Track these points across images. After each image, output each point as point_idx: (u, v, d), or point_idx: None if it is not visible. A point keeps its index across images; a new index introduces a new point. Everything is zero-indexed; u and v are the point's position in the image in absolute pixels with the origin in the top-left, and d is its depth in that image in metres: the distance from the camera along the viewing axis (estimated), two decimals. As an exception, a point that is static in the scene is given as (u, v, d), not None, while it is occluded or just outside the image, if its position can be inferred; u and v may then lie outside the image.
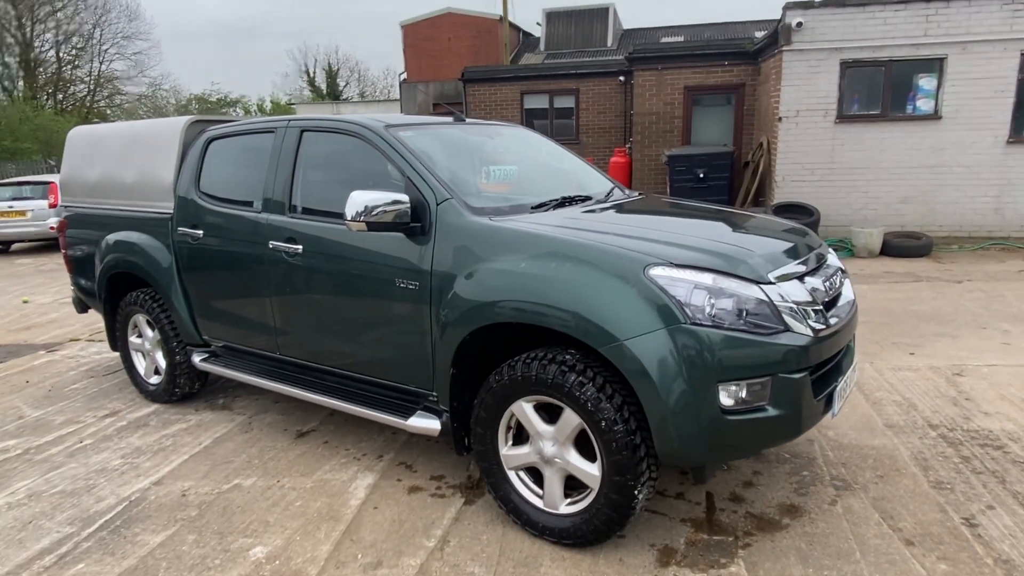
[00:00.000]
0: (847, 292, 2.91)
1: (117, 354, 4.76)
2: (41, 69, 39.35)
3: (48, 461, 3.60)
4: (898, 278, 7.46)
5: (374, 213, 2.79)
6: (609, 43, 25.89)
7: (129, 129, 4.50)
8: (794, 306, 2.41)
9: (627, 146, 11.91)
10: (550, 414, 2.61)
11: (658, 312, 2.30)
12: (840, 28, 8.80)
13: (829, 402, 2.58)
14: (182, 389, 4.30)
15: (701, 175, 9.37)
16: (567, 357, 2.49)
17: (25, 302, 8.00)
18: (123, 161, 4.42)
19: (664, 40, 25.44)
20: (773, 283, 2.43)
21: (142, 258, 4.18)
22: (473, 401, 2.86)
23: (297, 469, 3.39)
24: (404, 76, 27.83)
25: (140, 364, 4.53)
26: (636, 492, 2.42)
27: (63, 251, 4.93)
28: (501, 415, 2.70)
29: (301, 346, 3.51)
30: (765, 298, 2.36)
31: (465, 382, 2.88)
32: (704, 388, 2.27)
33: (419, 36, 27.39)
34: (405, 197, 2.86)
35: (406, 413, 3.04)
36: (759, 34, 22.33)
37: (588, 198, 3.44)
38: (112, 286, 4.50)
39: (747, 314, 2.33)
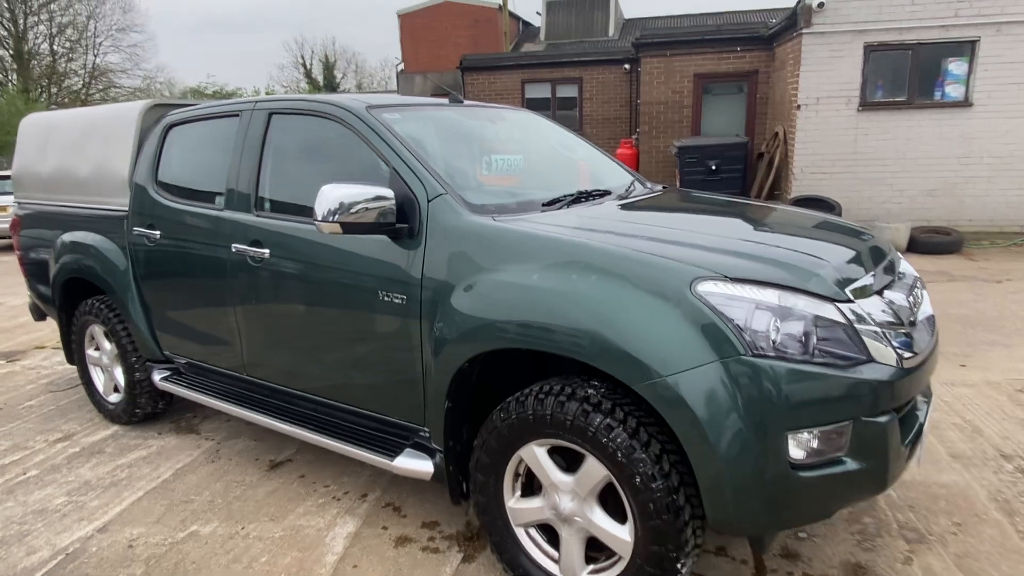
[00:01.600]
0: (927, 307, 2.39)
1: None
2: (35, 62, 38.73)
3: (-19, 499, 3.10)
4: (931, 277, 6.95)
5: (351, 212, 2.27)
6: (611, 33, 25.29)
7: (85, 116, 3.99)
8: (877, 329, 1.91)
9: (634, 137, 11.38)
10: (568, 459, 2.11)
11: (710, 340, 1.79)
12: (864, 9, 8.25)
13: (914, 446, 2.08)
14: (143, 409, 3.79)
15: (713, 167, 8.85)
16: (590, 392, 1.99)
17: (-5, 304, 7.50)
18: (78, 152, 3.91)
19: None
20: (851, 300, 1.92)
21: (96, 261, 3.67)
22: (473, 441, 2.35)
23: (266, 512, 2.89)
24: (402, 66, 27.25)
25: (98, 380, 4.03)
26: (679, 565, 1.92)
27: (16, 252, 4.43)
28: (507, 460, 2.19)
29: (270, 367, 3.00)
30: (843, 319, 1.85)
31: (464, 416, 2.38)
32: (769, 438, 1.77)
33: (416, 25, 26.79)
34: (390, 192, 2.35)
35: (393, 451, 2.54)
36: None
37: (607, 192, 2.93)
38: (67, 292, 3.99)
39: (821, 341, 1.82)
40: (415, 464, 2.46)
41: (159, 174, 3.44)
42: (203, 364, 3.38)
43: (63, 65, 40.00)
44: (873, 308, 1.97)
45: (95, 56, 40.51)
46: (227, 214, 3.01)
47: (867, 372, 1.83)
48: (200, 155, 3.31)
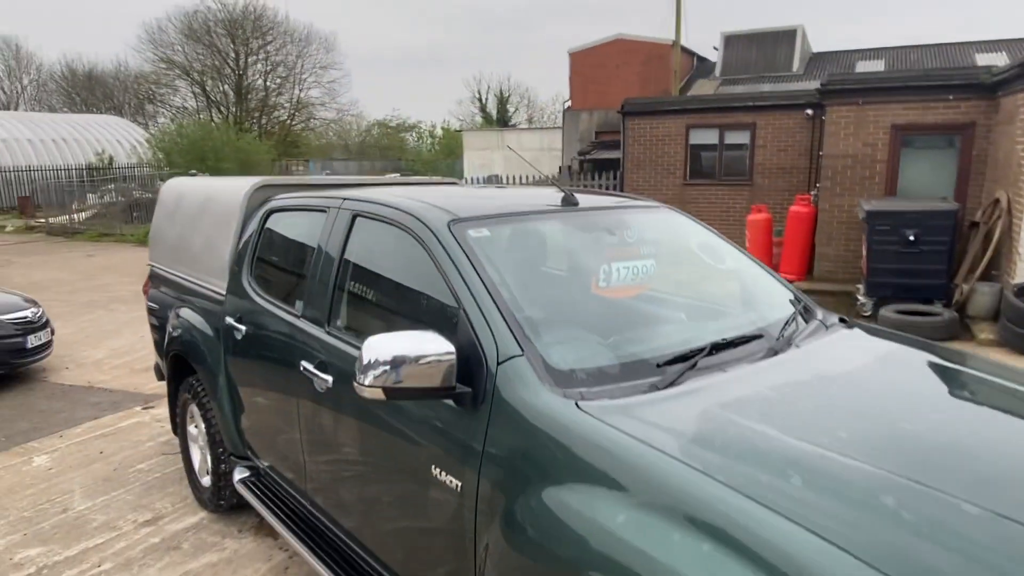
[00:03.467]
0: None
1: (182, 438, 4.20)
2: (251, 95, 43.93)
3: (49, 595, 2.99)
4: None
5: (399, 373, 1.78)
6: (795, 68, 23.50)
7: (206, 187, 3.93)
8: None
9: (812, 193, 10.09)
10: None
11: None
12: None
13: None
14: (228, 501, 3.58)
15: (911, 237, 7.45)
16: None
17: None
18: (195, 224, 3.85)
19: (860, 65, 22.56)
20: None
21: (195, 342, 3.54)
22: None
23: None
24: (568, 104, 27.22)
25: (195, 458, 3.90)
26: None
27: (147, 309, 4.51)
28: None
29: (329, 499, 2.60)
30: None
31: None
32: None
33: (586, 63, 26.66)
34: (449, 348, 1.82)
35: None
36: (981, 57, 18.90)
37: (757, 337, 2.19)
38: (175, 365, 3.93)
39: None
40: None
41: (254, 262, 3.21)
42: (278, 474, 3.07)
43: (273, 99, 44.96)
44: None
45: (299, 90, 45.09)
46: (302, 324, 2.67)
47: None
48: (291, 248, 3.04)
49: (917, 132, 8.78)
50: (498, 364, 1.81)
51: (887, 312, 7.20)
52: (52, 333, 6.57)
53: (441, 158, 35.16)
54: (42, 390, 5.94)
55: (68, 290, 10.66)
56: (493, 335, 1.86)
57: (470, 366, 1.86)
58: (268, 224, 3.21)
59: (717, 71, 25.37)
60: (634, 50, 25.84)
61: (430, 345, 1.81)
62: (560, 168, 24.86)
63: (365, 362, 1.77)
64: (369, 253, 2.50)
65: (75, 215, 19.37)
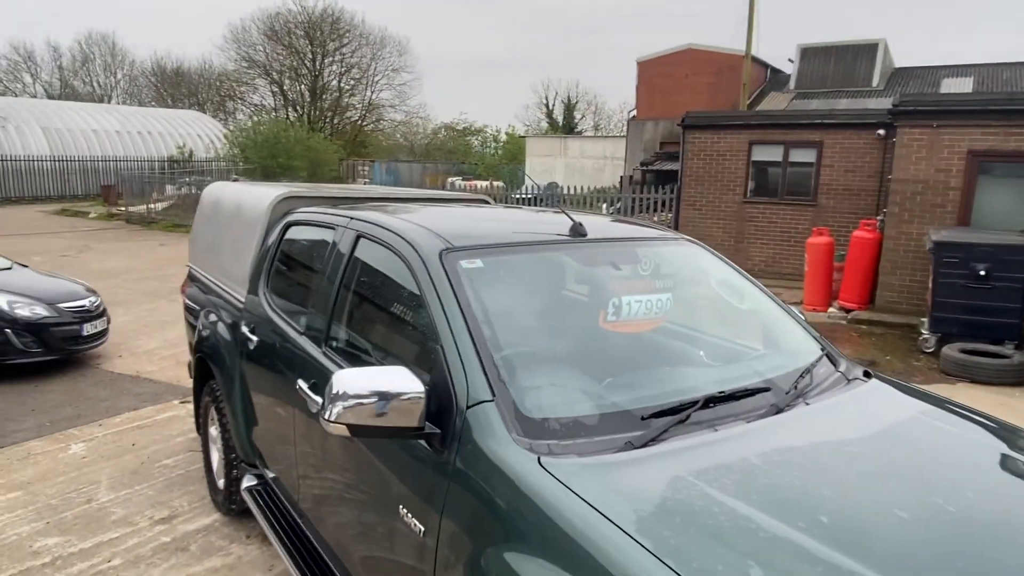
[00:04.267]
0: None
1: (205, 437, 4.28)
2: (325, 95, 45.31)
3: (57, 587, 3.08)
4: None
5: (363, 408, 1.72)
6: (875, 83, 22.50)
7: (239, 194, 4.00)
8: None
9: (879, 218, 9.57)
10: None
11: None
12: None
13: None
14: (239, 506, 3.61)
15: (982, 272, 6.94)
16: None
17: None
18: (226, 230, 3.93)
19: (946, 83, 21.40)
20: None
21: (216, 347, 3.60)
22: None
23: None
24: (633, 113, 26.86)
25: (214, 460, 3.97)
26: None
27: (184, 307, 4.64)
28: None
29: (315, 516, 2.58)
30: None
31: None
32: None
33: (655, 73, 26.24)
34: (418, 387, 1.75)
35: None
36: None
37: (763, 391, 2.03)
38: (200, 366, 4.01)
39: None
40: None
41: (271, 274, 3.24)
42: (280, 486, 3.08)
43: (346, 99, 46.23)
44: None
45: (371, 92, 46.25)
46: (302, 341, 2.66)
47: None
48: (302, 263, 3.05)
49: (997, 159, 8.20)
50: (467, 407, 1.73)
51: (950, 351, 6.73)
52: (108, 322, 6.86)
53: (504, 163, 35.28)
54: (92, 377, 6.21)
55: (135, 278, 11.17)
56: (466, 375, 1.78)
57: (442, 406, 1.79)
58: (287, 236, 3.23)
59: (791, 84, 24.54)
60: (705, 60, 25.27)
61: (400, 383, 1.74)
62: (621, 178, 24.57)
63: (331, 396, 1.73)
64: (367, 276, 2.47)
65: (153, 205, 20.34)
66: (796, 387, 2.11)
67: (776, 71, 26.92)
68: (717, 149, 11.79)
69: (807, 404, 2.03)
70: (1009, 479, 1.77)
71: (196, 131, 33.62)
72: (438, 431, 1.77)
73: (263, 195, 3.57)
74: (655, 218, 13.70)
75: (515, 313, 2.12)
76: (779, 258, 11.58)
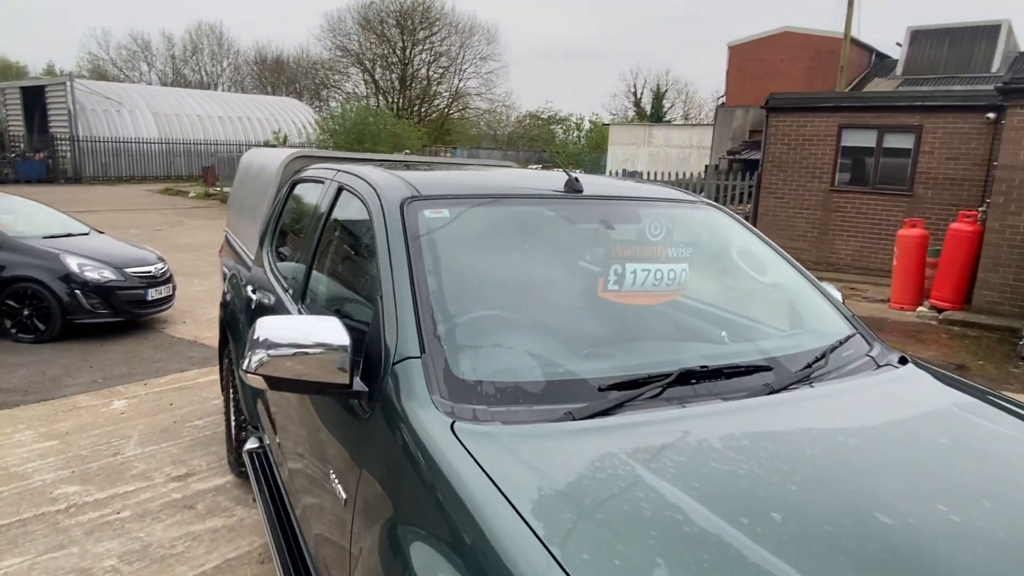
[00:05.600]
0: None
1: (231, 400, 4.31)
2: (414, 84, 46.16)
3: (65, 534, 3.14)
4: None
5: (283, 359, 1.57)
6: (995, 67, 20.53)
7: (263, 157, 3.98)
8: None
9: (980, 210, 8.63)
10: None
11: None
12: None
13: None
14: (245, 468, 3.60)
15: (1100, 270, 6.08)
16: None
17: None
18: (250, 192, 3.91)
19: (1083, 65, 19.23)
20: None
21: (232, 309, 3.58)
22: None
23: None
24: (723, 100, 25.72)
25: (233, 422, 3.98)
26: None
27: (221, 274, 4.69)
28: None
29: (285, 479, 2.48)
30: None
31: None
32: None
33: (747, 57, 24.97)
34: (343, 339, 1.57)
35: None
36: None
37: (763, 369, 1.72)
38: (222, 329, 4.02)
39: None
40: None
41: (276, 233, 3.16)
42: (271, 449, 3.01)
43: (433, 88, 46.93)
44: None
45: (459, 81, 46.72)
46: (285, 299, 2.55)
47: None
48: (297, 221, 2.94)
49: None
50: (394, 363, 1.54)
51: (1056, 358, 5.94)
52: (173, 288, 7.13)
53: (586, 151, 34.77)
54: (153, 340, 6.46)
55: (215, 251, 11.67)
56: (397, 329, 1.59)
57: (375, 363, 1.61)
58: (291, 195, 3.14)
59: (898, 69, 22.79)
60: (801, 44, 23.82)
61: (324, 334, 1.57)
62: (706, 167, 23.57)
63: (251, 344, 1.58)
64: (340, 230, 2.32)
65: (243, 186, 21.29)
66: (808, 368, 1.80)
67: (882, 56, 25.08)
68: (803, 133, 11.01)
69: (811, 387, 1.71)
70: None
71: (291, 117, 34.99)
72: (367, 390, 1.59)
73: (278, 155, 3.51)
74: (736, 208, 13.01)
75: (480, 269, 1.91)
76: (867, 252, 10.71)
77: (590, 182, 2.34)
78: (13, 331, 6.20)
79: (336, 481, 1.66)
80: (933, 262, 8.48)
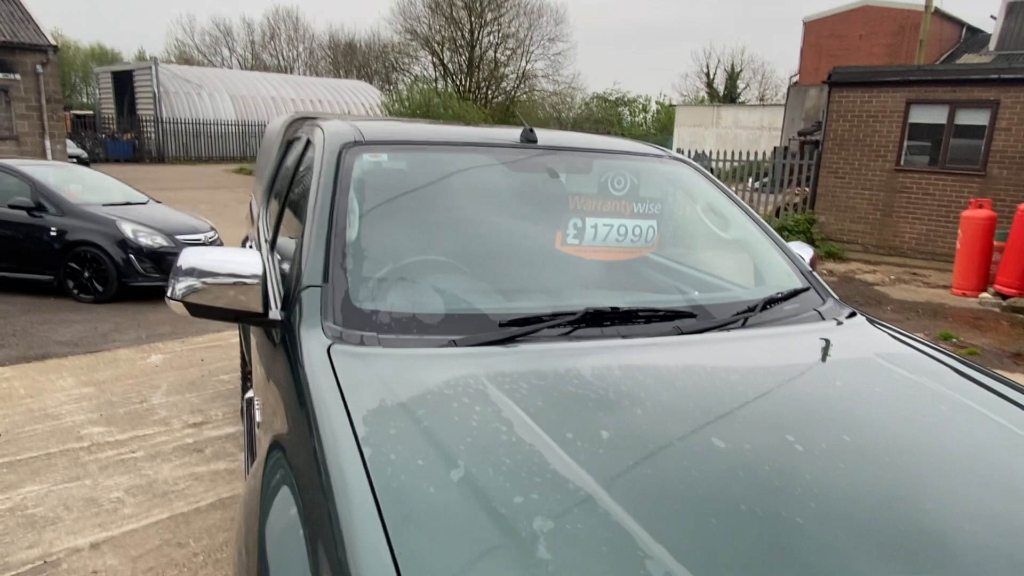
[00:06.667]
0: None
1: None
2: (482, 66, 46.28)
3: (82, 468, 3.40)
4: None
5: (204, 289, 1.66)
6: (1101, 40, 18.81)
7: (273, 122, 4.12)
8: None
9: (1058, 189, 7.99)
10: None
11: None
12: None
13: None
14: (255, 419, 3.79)
15: None
16: None
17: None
18: (264, 157, 4.07)
19: None
20: None
21: (241, 266, 3.75)
22: None
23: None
24: (796, 79, 24.62)
25: (239, 373, 4.19)
26: None
27: (249, 240, 4.91)
28: None
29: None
30: None
31: None
32: None
33: (823, 33, 23.81)
34: (255, 268, 1.65)
35: None
36: None
37: (685, 316, 1.70)
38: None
39: None
40: None
41: (271, 193, 3.29)
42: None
43: (501, 70, 46.91)
44: None
45: (526, 62, 46.49)
46: (264, 251, 2.66)
47: None
48: (282, 178, 3.04)
49: None
50: (300, 292, 1.61)
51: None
52: (222, 257, 7.50)
53: (652, 133, 34.06)
54: (200, 303, 6.81)
55: (272, 226, 12.15)
56: (310, 259, 1.65)
57: (289, 293, 1.69)
58: (285, 154, 3.26)
59: (991, 44, 21.22)
60: (883, 18, 22.50)
61: (239, 265, 1.65)
62: (775, 148, 22.67)
63: (175, 272, 1.67)
64: (300, 177, 2.39)
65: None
66: (738, 317, 1.75)
67: (974, 30, 23.40)
68: (867, 109, 10.45)
69: (727, 332, 1.67)
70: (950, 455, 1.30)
71: (360, 100, 35.82)
72: (280, 319, 1.66)
73: (282, 119, 3.63)
74: (795, 190, 12.50)
75: (407, 210, 1.94)
76: (933, 236, 10.11)
77: (548, 135, 2.33)
78: (75, 292, 6.68)
79: (258, 406, 1.75)
80: (1000, 246, 7.94)
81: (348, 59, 51.40)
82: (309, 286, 1.59)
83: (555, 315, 1.60)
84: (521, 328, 1.53)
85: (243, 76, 34.91)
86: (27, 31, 16.61)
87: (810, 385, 1.43)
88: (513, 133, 2.31)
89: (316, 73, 49.77)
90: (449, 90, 33.77)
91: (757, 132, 28.25)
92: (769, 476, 1.05)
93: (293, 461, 1.20)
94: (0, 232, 6.69)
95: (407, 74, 47.81)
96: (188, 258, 1.66)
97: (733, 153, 15.15)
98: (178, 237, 6.99)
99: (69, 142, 19.95)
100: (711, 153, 18.35)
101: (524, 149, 2.20)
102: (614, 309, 1.66)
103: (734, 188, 13.86)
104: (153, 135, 28.06)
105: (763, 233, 2.26)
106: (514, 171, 2.17)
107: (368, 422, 1.14)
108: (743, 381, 1.41)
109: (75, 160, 19.11)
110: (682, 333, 1.63)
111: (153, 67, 28.81)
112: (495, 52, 45.69)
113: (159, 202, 8.05)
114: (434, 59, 46.53)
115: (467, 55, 45.30)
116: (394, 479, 0.99)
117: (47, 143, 16.77)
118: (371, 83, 44.80)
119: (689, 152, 16.37)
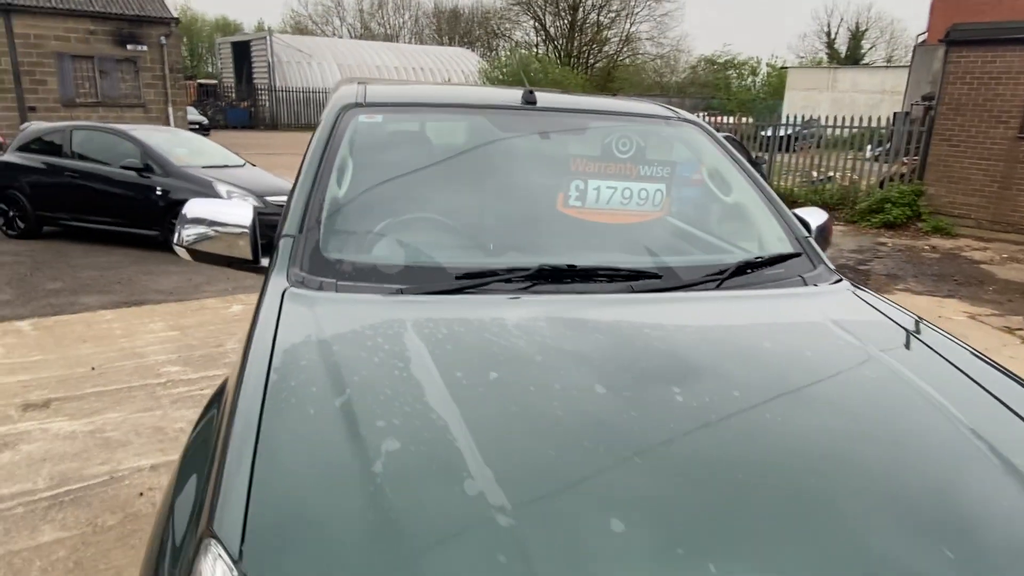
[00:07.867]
0: None
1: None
2: (585, 29, 45.41)
3: (156, 400, 3.82)
4: None
5: (204, 236, 1.85)
6: None
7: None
8: None
9: None
10: None
11: None
12: None
13: None
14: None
15: None
16: None
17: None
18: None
19: None
20: None
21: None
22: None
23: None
24: (923, 38, 22.47)
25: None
26: None
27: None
28: None
29: None
30: None
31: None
32: None
33: (959, -15, 21.47)
34: (244, 217, 1.83)
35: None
36: None
37: (650, 276, 1.72)
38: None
39: None
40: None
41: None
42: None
43: (603, 33, 45.84)
44: None
45: (630, 25, 45.18)
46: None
47: None
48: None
49: None
50: (279, 240, 1.76)
51: None
52: (308, 217, 7.97)
53: (761, 98, 32.33)
54: (285, 260, 7.31)
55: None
56: (290, 212, 1.80)
57: (271, 243, 1.85)
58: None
59: None
60: (1032, -34, 19.96)
61: (232, 215, 1.83)
62: (895, 114, 20.92)
63: (180, 221, 1.87)
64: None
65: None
66: (708, 279, 1.75)
67: None
68: (989, 71, 9.48)
69: (685, 293, 1.68)
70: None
71: (460, 66, 36.21)
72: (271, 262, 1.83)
73: (338, 82, 3.82)
74: (904, 160, 11.56)
75: (394, 167, 2.04)
76: (1060, 211, 9.13)
77: (550, 98, 2.35)
78: (177, 246, 7.33)
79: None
80: None
81: (452, 26, 51.91)
82: (285, 235, 1.74)
83: (510, 270, 1.66)
84: (472, 281, 1.61)
85: (350, 45, 36.14)
86: (153, 5, 17.97)
87: (728, 344, 1.43)
88: (516, 95, 2.35)
89: (420, 41, 50.65)
90: (550, 55, 33.41)
91: (878, 96, 26.22)
92: (631, 421, 1.09)
93: (224, 391, 1.36)
94: (113, 191, 7.44)
95: (508, 40, 47.74)
96: (192, 208, 1.85)
97: (848, 119, 14.07)
98: (267, 198, 7.48)
99: (191, 109, 21.55)
100: (824, 119, 17.14)
101: (523, 110, 2.24)
102: (571, 267, 1.70)
103: (849, 156, 12.99)
104: (267, 103, 29.72)
105: (763, 198, 2.20)
106: (508, 132, 2.21)
107: (286, 354, 1.27)
108: (663, 337, 1.42)
109: (196, 127, 20.63)
110: (634, 292, 1.65)
111: (268, 37, 30.39)
112: (598, 15, 44.69)
113: (254, 165, 8.62)
114: (536, 23, 46.12)
115: (569, 18, 44.58)
116: (284, 402, 1.11)
117: (170, 110, 18.21)
118: (473, 50, 45.09)
119: (797, 117, 15.40)
